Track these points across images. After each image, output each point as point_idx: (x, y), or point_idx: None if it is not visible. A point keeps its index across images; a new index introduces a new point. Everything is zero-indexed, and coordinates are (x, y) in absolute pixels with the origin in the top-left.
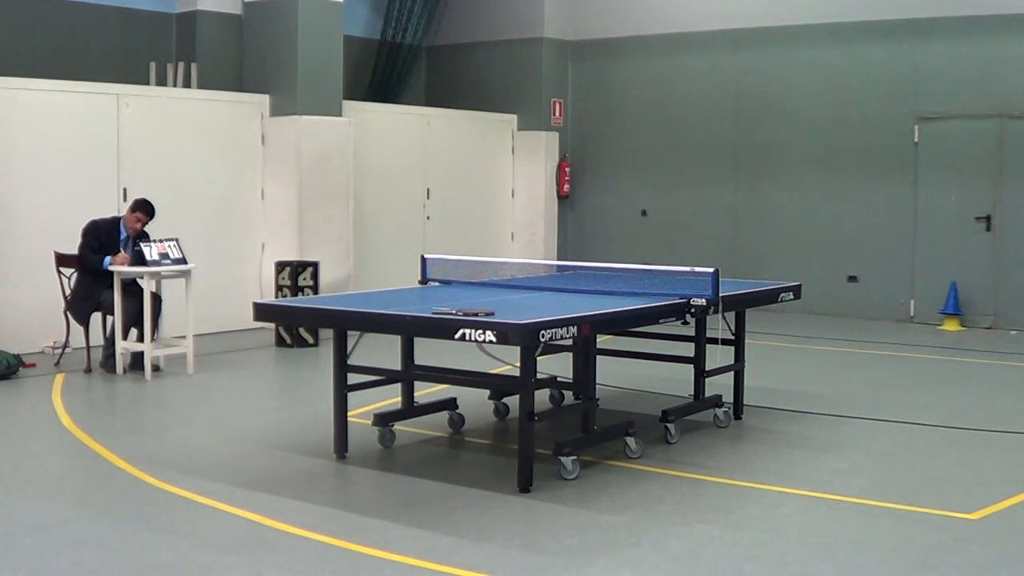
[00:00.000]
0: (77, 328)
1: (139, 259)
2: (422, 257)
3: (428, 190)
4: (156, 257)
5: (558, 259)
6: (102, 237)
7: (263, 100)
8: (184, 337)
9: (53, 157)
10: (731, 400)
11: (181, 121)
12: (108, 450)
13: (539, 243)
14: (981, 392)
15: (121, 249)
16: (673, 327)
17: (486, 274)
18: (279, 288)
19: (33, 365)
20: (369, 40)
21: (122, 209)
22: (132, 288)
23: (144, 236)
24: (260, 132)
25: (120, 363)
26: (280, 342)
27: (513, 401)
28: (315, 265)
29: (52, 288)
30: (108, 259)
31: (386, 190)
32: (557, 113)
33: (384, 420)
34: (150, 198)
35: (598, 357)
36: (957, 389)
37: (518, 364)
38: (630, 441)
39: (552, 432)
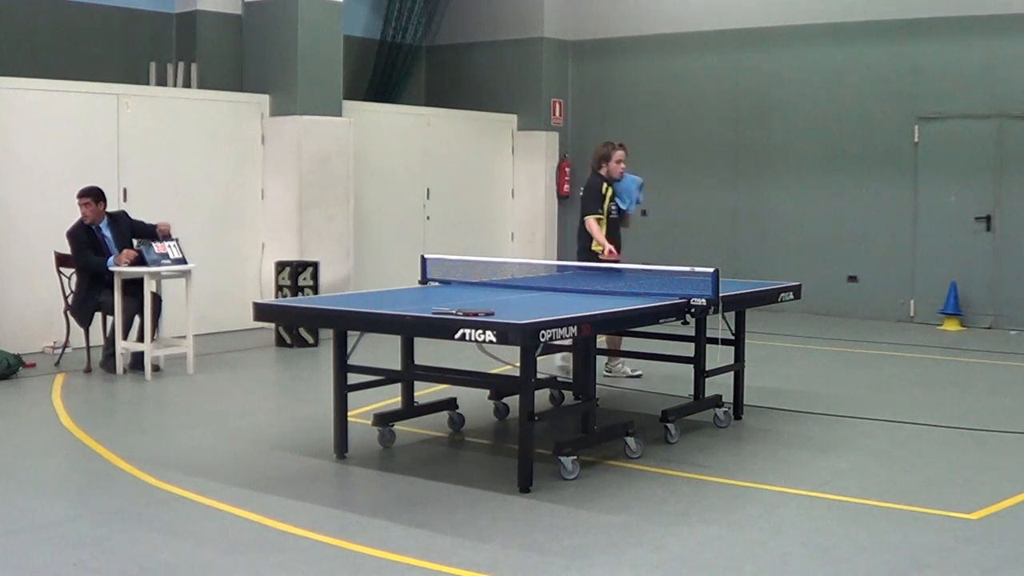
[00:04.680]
0: (77, 328)
1: (139, 259)
2: (422, 257)
3: (428, 190)
4: (156, 257)
5: (558, 259)
6: (87, 239)
7: (263, 100)
8: (184, 337)
9: (53, 157)
10: (731, 400)
11: (181, 121)
12: (108, 450)
13: (539, 243)
14: (981, 392)
15: (101, 242)
16: (673, 327)
17: (486, 274)
18: (279, 288)
19: (33, 365)
20: (369, 40)
21: (121, 207)
22: (132, 288)
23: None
24: (260, 132)
25: (120, 363)
26: (280, 342)
27: (513, 401)
28: (315, 265)
29: (52, 288)
30: (111, 259)
31: (386, 190)
32: (557, 113)
33: (384, 420)
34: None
35: (598, 357)
36: (957, 389)
37: (518, 364)
38: (630, 441)
39: (552, 432)
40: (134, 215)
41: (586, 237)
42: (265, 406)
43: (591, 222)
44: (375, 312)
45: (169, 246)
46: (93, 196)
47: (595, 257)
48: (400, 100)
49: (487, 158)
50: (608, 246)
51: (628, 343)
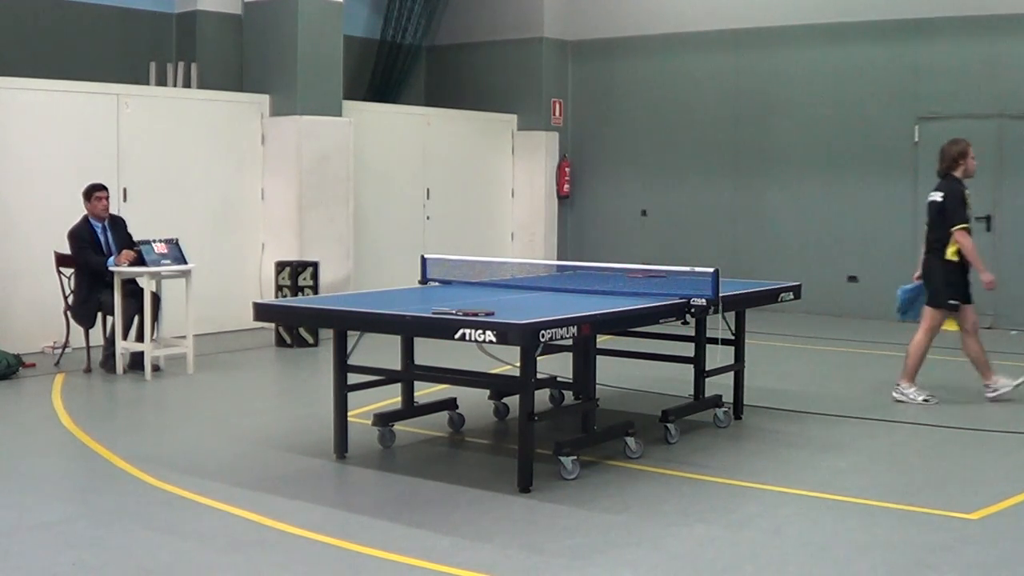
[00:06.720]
0: (77, 328)
1: (139, 259)
2: (422, 257)
3: (428, 190)
4: (156, 257)
5: (558, 259)
6: (89, 239)
7: (263, 100)
8: (184, 337)
9: (53, 157)
10: (731, 400)
11: (181, 121)
12: (108, 450)
13: (539, 243)
14: (981, 392)
15: (101, 242)
16: (673, 327)
17: (486, 274)
18: (279, 288)
19: (33, 365)
20: (369, 40)
21: (121, 209)
22: (132, 288)
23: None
24: (260, 132)
25: (120, 363)
26: (280, 342)
27: (513, 401)
28: (315, 265)
29: (52, 288)
30: (112, 259)
31: (386, 190)
32: (557, 113)
33: (384, 420)
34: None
35: (598, 357)
36: (957, 389)
37: (518, 364)
38: (630, 441)
39: (552, 432)
40: (134, 215)
41: (943, 248)
42: (265, 406)
43: (962, 236)
44: (375, 312)
45: (169, 246)
46: (107, 190)
47: (959, 271)
48: (400, 100)
49: (487, 158)
50: (988, 274)
51: (628, 343)
